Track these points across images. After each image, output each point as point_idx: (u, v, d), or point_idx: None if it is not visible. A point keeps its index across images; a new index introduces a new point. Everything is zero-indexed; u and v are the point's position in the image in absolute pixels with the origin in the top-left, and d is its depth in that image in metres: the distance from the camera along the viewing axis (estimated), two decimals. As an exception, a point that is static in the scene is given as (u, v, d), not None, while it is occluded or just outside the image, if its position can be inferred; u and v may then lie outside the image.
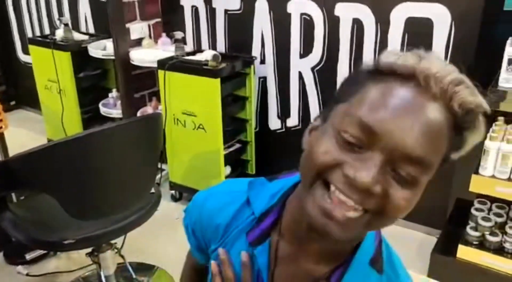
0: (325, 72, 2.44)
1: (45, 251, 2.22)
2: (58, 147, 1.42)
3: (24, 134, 3.59)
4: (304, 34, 2.44)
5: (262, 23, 2.57)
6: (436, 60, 0.51)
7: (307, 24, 2.41)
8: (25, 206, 1.77)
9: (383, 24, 2.20)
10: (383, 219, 0.52)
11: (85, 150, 1.46)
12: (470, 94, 0.50)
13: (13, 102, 4.09)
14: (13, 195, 1.93)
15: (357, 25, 2.27)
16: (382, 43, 2.23)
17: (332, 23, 2.34)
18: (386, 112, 0.48)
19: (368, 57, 2.29)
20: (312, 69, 2.48)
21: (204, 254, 0.78)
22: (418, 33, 2.12)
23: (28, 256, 2.19)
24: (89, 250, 1.79)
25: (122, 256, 1.86)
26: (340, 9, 2.30)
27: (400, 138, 0.47)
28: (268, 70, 2.64)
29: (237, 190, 0.71)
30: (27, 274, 2.14)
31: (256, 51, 2.64)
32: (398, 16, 2.15)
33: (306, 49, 2.46)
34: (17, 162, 1.43)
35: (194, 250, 0.81)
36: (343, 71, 2.39)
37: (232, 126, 2.66)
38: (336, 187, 0.50)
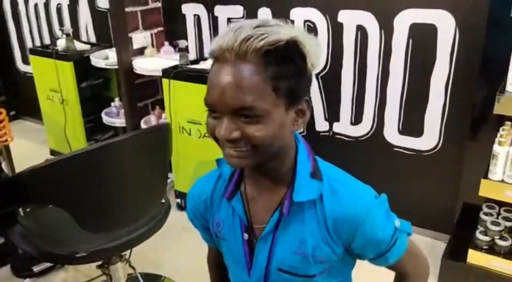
0: (329, 78, 2.45)
1: (52, 264, 2.20)
2: (67, 161, 1.41)
3: (26, 145, 3.57)
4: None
5: (265, 30, 2.57)
6: (231, 33, 0.68)
7: (311, 31, 2.41)
8: (33, 218, 1.75)
9: (387, 30, 2.21)
10: (260, 147, 0.71)
11: (95, 163, 1.45)
12: (260, 40, 0.66)
13: (13, 113, 4.07)
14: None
15: (361, 31, 2.28)
16: (386, 49, 2.24)
17: (336, 30, 2.35)
18: (212, 90, 0.69)
19: (372, 63, 2.30)
20: (317, 75, 2.48)
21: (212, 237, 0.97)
22: (423, 39, 2.13)
23: (36, 269, 2.17)
24: (99, 262, 1.77)
25: (133, 268, 1.85)
26: (343, 16, 2.31)
27: (225, 102, 0.68)
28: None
29: (209, 173, 0.93)
30: (35, 287, 2.13)
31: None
32: (402, 22, 2.16)
33: (310, 56, 2.46)
34: (26, 177, 1.41)
35: (205, 238, 1.02)
36: (347, 77, 2.39)
37: (237, 134, 2.66)
38: (222, 144, 0.73)
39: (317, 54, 0.72)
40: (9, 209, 1.54)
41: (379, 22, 2.22)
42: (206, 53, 2.84)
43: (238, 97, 0.67)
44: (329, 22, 2.36)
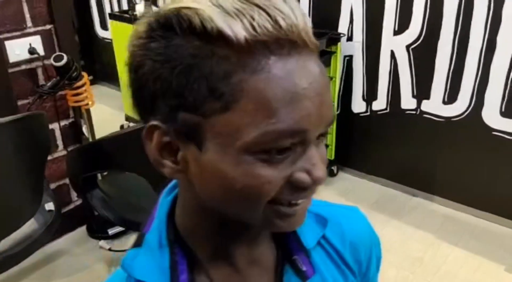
0: (422, 51, 2.21)
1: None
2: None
3: (103, 109, 3.66)
4: (400, 7, 2.20)
5: (352, -4, 2.36)
6: (283, 4, 0.40)
7: (403, -5, 2.17)
8: (111, 184, 1.76)
9: (498, -5, 1.92)
10: None
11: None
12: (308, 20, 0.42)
13: (91, 77, 4.19)
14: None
15: (466, -3, 2.00)
16: (495, 18, 1.95)
17: (435, -5, 2.09)
18: (304, 103, 0.40)
19: (476, 34, 2.02)
20: (407, 47, 2.25)
21: None
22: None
23: (111, 231, 2.22)
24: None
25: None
26: (445, -21, 2.04)
27: (321, 119, 0.42)
28: (355, 48, 2.44)
29: None
30: (110, 249, 2.17)
31: (343, 28, 2.44)
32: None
33: (402, 24, 2.23)
34: (108, 142, 1.39)
35: None
36: (444, 49, 2.14)
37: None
38: (291, 203, 0.45)
39: None
40: (92, 173, 1.54)
41: (489, -15, 1.93)
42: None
43: (331, 106, 0.44)
44: (427, -14, 2.10)
